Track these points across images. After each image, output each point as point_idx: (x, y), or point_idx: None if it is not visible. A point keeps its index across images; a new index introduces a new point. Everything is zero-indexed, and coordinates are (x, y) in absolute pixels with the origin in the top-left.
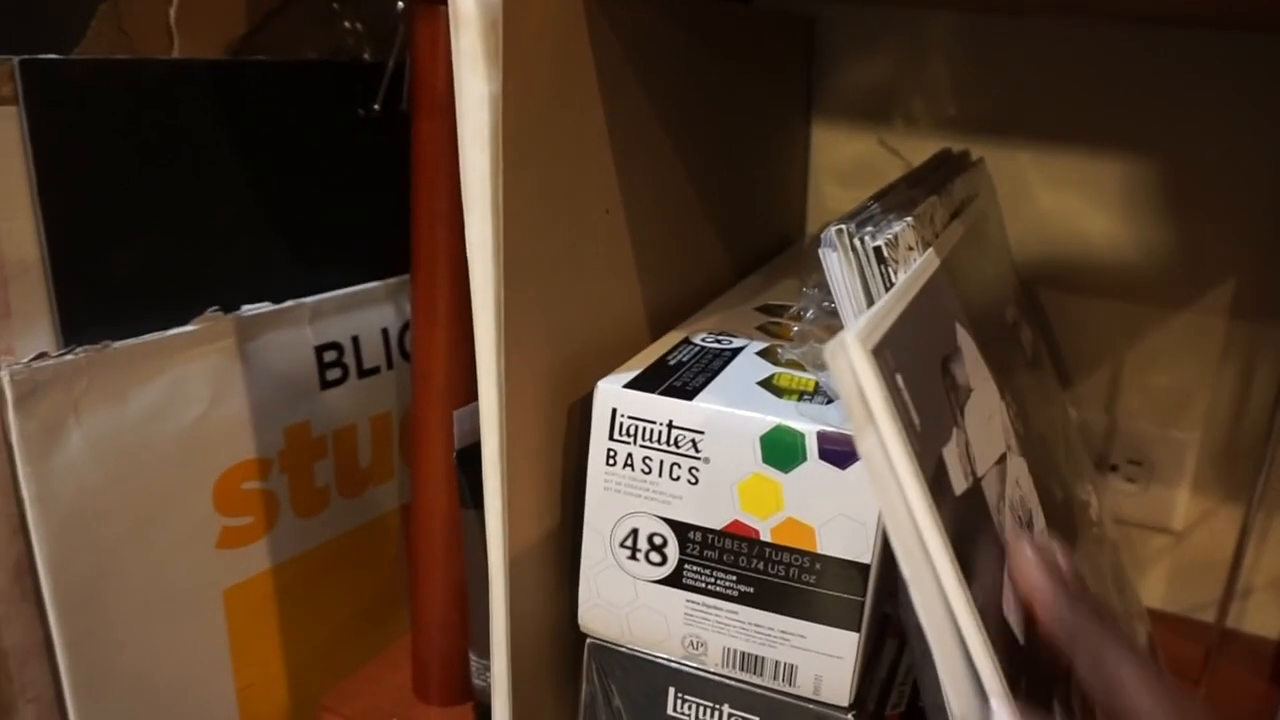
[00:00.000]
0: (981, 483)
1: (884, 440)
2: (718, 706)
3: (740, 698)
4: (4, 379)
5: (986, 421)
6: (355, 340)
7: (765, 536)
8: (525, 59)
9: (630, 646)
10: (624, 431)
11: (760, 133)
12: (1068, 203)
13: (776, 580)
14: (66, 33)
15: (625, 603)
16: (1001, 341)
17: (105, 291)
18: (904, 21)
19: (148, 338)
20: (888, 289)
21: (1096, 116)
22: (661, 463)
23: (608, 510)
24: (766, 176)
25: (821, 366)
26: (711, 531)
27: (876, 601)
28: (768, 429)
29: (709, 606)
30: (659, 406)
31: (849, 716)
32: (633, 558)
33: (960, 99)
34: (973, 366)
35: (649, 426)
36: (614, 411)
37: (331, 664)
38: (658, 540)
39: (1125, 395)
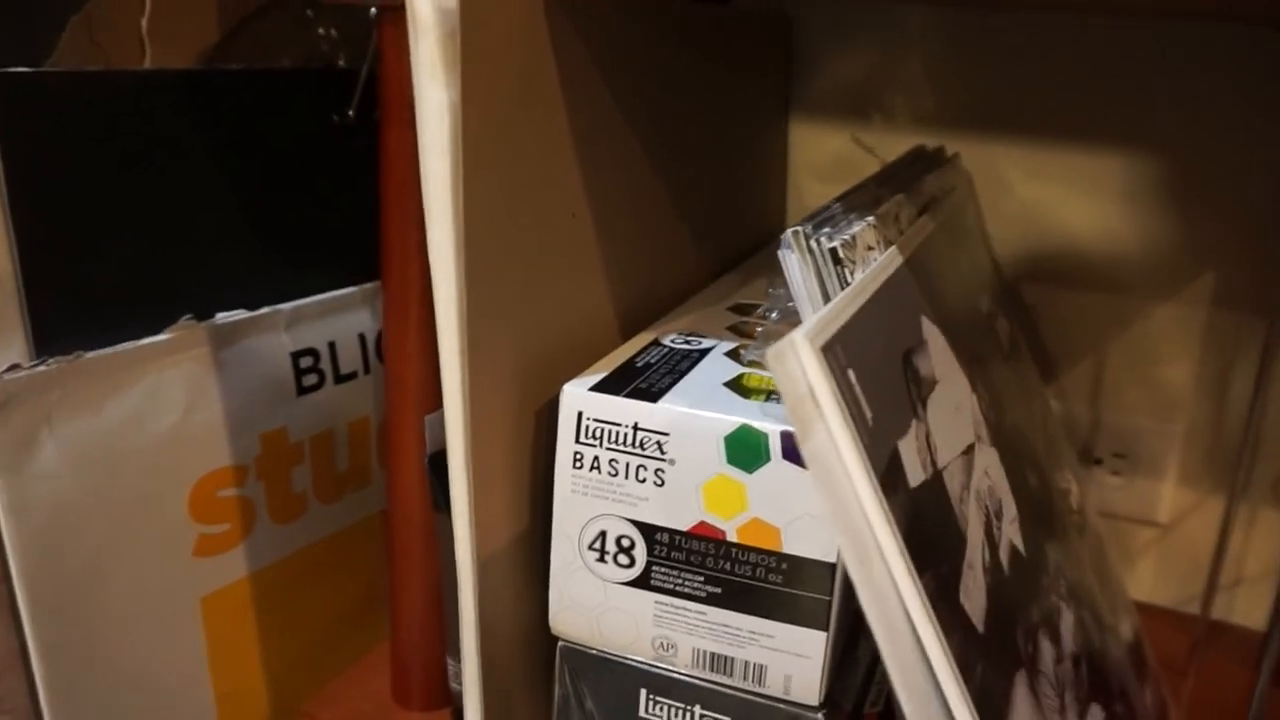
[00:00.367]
0: (943, 473)
1: (833, 435)
2: (689, 708)
3: (711, 699)
4: None
5: (954, 412)
6: (332, 346)
7: (731, 537)
8: (485, 66)
9: (601, 649)
10: (590, 434)
11: (738, 132)
12: (1048, 196)
13: (743, 580)
14: (38, 45)
15: (595, 605)
16: (975, 333)
17: (78, 302)
18: (881, 17)
19: (121, 347)
20: (844, 289)
21: (1075, 110)
22: (628, 465)
23: (575, 513)
24: (745, 175)
25: None
26: (678, 533)
27: (845, 600)
28: (731, 429)
29: (677, 608)
30: (624, 409)
31: (819, 716)
32: (601, 560)
33: (938, 94)
34: (940, 358)
35: (614, 429)
36: (580, 414)
37: (313, 670)
38: (625, 542)
39: (1109, 388)
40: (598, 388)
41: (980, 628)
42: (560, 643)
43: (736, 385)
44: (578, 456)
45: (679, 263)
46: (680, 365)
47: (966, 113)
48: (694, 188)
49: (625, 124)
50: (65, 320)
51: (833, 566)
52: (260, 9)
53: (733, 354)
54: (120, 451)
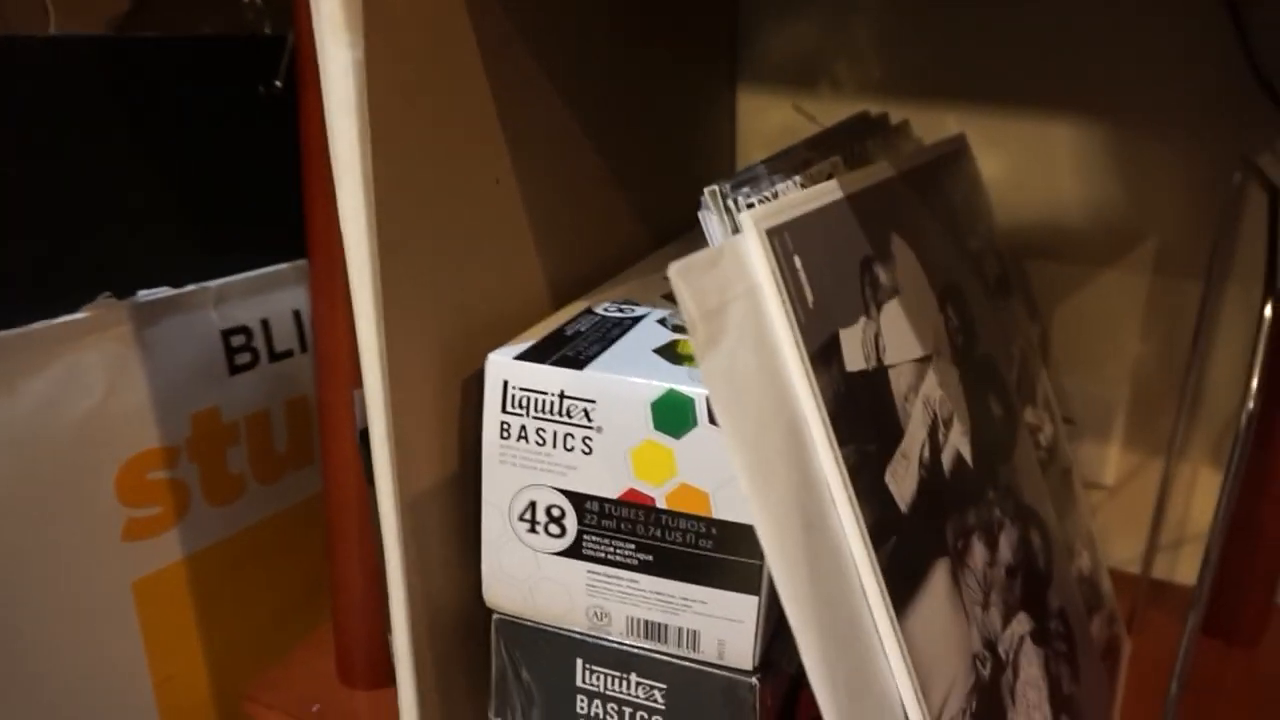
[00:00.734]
0: (889, 370)
1: (765, 302)
2: (625, 675)
3: (646, 666)
4: None
5: (912, 322)
6: (265, 324)
7: (660, 503)
8: (391, 24)
9: (535, 620)
10: (516, 404)
11: (682, 101)
12: (995, 163)
13: (674, 547)
14: None
15: (527, 576)
16: (957, 265)
17: None
18: None
19: (33, 326)
20: None
21: (1026, 78)
22: (555, 434)
23: (504, 484)
24: (691, 145)
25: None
26: (608, 501)
27: None
28: (658, 395)
29: (610, 576)
30: (549, 377)
31: (753, 680)
32: (532, 531)
33: (886, 63)
34: (907, 274)
35: (540, 397)
36: (505, 384)
37: (258, 653)
38: (556, 512)
39: (1054, 354)
40: (523, 356)
41: (904, 508)
42: (495, 615)
43: (668, 351)
44: (505, 426)
45: (617, 233)
46: (611, 333)
47: (915, 82)
48: (633, 157)
49: (554, 89)
50: None
51: None
52: None
53: (665, 321)
54: (38, 435)
